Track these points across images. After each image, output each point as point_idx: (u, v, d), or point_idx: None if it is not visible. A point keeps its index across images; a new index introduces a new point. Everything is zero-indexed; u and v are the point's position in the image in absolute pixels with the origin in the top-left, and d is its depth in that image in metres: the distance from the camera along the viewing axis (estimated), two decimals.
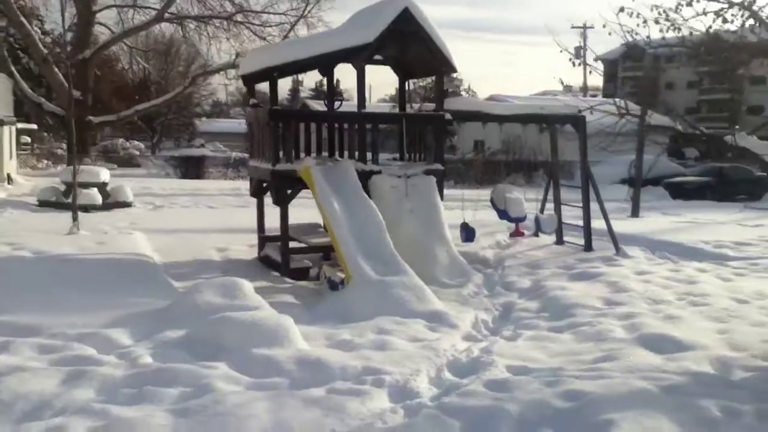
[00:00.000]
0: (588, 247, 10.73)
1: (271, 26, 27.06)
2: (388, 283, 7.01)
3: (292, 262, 9.03)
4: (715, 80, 48.70)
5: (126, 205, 13.99)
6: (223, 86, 40.61)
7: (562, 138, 11.54)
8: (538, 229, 11.24)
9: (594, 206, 10.65)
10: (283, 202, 8.87)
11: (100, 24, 28.00)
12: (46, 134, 35.72)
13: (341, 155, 9.71)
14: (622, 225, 13.94)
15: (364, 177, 9.02)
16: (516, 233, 10.78)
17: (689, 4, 7.01)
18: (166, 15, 26.28)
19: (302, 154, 9.59)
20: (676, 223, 14.48)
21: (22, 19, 24.50)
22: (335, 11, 29.77)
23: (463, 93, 44.17)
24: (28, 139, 30.71)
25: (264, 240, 9.86)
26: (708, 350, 5.24)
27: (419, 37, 9.19)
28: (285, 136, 8.80)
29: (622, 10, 7.44)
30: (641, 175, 16.99)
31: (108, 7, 27.00)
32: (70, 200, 13.05)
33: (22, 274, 7.09)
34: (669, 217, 16.06)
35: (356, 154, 9.12)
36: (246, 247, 10.25)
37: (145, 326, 5.19)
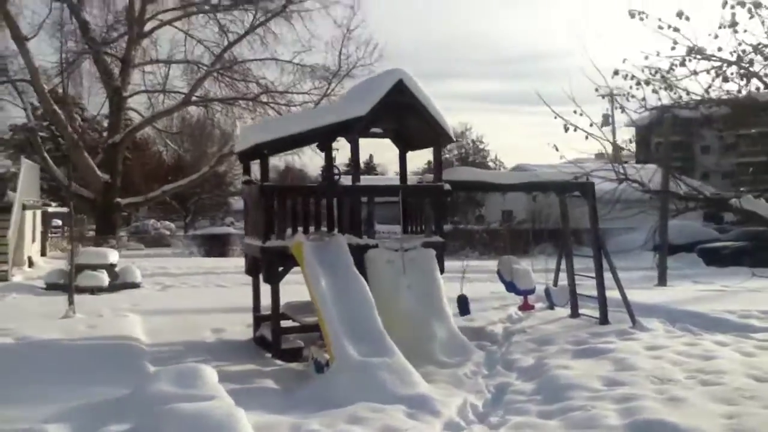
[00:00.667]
0: (603, 320, 10.14)
1: (295, 105, 27.53)
2: (370, 365, 6.58)
3: (285, 342, 8.66)
4: (753, 142, 47.58)
5: (134, 285, 13.89)
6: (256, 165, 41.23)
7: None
8: (549, 302, 10.71)
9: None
10: (273, 279, 8.59)
11: (131, 109, 28.91)
12: (82, 217, 36.53)
13: (340, 230, 9.44)
14: (647, 295, 13.31)
15: (360, 251, 8.74)
16: (524, 306, 10.24)
17: (682, 64, 6.69)
18: (193, 98, 27.00)
19: (299, 230, 9.38)
20: (704, 292, 13.72)
21: (54, 106, 25.44)
22: None
23: (489, 164, 44.10)
24: (59, 222, 31.42)
25: (259, 320, 9.55)
26: None
27: (415, 108, 9.07)
28: (277, 211, 8.62)
29: (616, 73, 7.12)
30: (666, 241, 16.33)
31: (138, 92, 27.90)
32: (80, 283, 13.06)
33: None
34: (698, 286, 15.29)
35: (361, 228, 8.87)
36: (244, 327, 9.93)
37: (92, 420, 4.85)
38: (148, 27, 27.61)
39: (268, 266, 8.60)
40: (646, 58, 6.70)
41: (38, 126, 27.42)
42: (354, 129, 8.80)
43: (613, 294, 10.20)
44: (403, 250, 8.91)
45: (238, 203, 54.93)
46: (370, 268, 8.70)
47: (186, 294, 13.34)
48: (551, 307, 11.20)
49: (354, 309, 7.51)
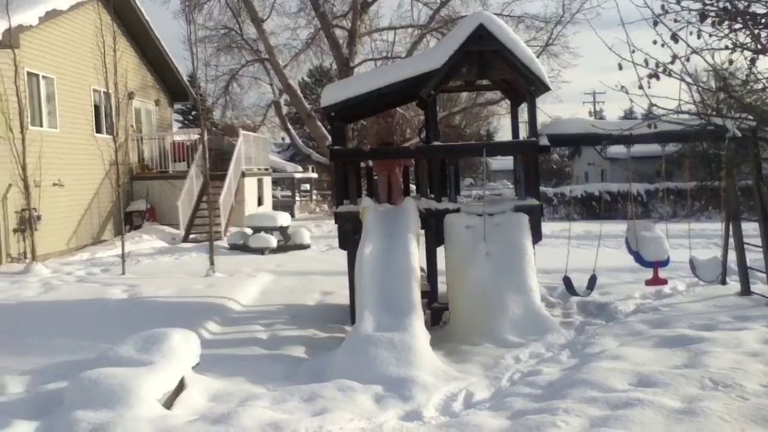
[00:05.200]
0: None
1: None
2: (373, 340, 6.12)
3: None
4: None
5: (302, 247, 14.72)
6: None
7: None
8: (694, 275, 8.88)
9: None
10: (347, 245, 8.43)
11: None
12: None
13: (432, 192, 8.88)
14: None
15: (439, 216, 8.16)
16: (654, 281, 8.52)
17: None
18: None
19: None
20: None
21: (290, 81, 27.76)
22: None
23: None
24: (308, 187, 34.51)
25: None
26: None
27: (502, 56, 8.10)
28: (348, 176, 8.43)
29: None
30: None
31: (363, 61, 29.06)
32: (251, 244, 14.26)
33: (71, 314, 7.94)
34: None
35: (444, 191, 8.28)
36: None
37: (51, 375, 5.32)
38: None
39: (342, 232, 8.47)
40: None
41: (280, 99, 30.12)
42: (429, 84, 8.13)
43: None
44: (487, 215, 8.09)
45: (496, 163, 55.15)
46: (448, 233, 8.07)
47: (340, 256, 13.74)
48: (722, 281, 9.29)
49: (393, 278, 7.04)
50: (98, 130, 16.93)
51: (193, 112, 36.53)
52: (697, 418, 4.25)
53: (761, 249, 8.45)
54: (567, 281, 8.47)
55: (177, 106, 28.37)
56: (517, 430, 4.29)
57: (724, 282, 9.32)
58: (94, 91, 16.83)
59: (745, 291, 8.80)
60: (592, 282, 8.62)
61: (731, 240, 8.96)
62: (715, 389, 4.89)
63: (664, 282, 8.63)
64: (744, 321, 7.32)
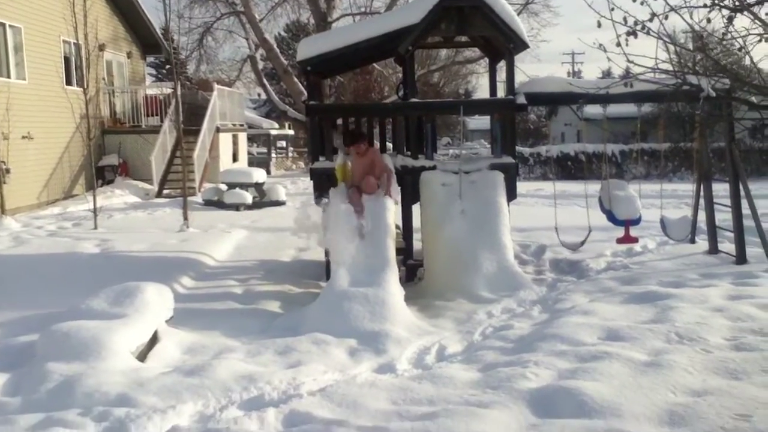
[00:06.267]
0: (740, 259, 8.32)
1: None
2: (348, 295, 6.17)
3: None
4: None
5: (278, 203, 14.68)
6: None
7: None
8: (665, 234, 9.03)
9: None
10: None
11: None
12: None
13: (408, 149, 8.87)
14: None
15: (415, 174, 8.16)
16: (625, 239, 8.66)
17: None
18: None
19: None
20: None
21: (267, 35, 27.22)
22: None
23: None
24: (284, 144, 34.21)
25: None
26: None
27: (481, 11, 8.00)
28: (324, 132, 8.35)
29: None
30: None
31: (341, 16, 28.56)
32: (226, 200, 14.17)
33: (42, 268, 7.88)
34: None
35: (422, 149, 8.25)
36: None
37: (22, 328, 5.28)
38: None
39: (317, 188, 8.43)
40: None
41: (256, 54, 29.60)
42: (407, 40, 8.03)
43: None
44: (463, 173, 8.10)
45: (475, 122, 55.13)
46: (424, 191, 8.10)
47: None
48: (692, 240, 9.45)
49: (369, 234, 7.06)
50: (68, 83, 16.51)
51: (167, 66, 35.79)
52: (662, 370, 4.36)
53: (730, 209, 8.59)
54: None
55: (150, 59, 27.76)
56: (488, 382, 4.37)
57: (693, 241, 9.47)
58: (64, 42, 16.37)
59: (713, 250, 8.96)
60: None
61: (701, 200, 9.10)
62: (681, 343, 5.02)
63: (635, 240, 8.77)
64: (710, 278, 7.48)
